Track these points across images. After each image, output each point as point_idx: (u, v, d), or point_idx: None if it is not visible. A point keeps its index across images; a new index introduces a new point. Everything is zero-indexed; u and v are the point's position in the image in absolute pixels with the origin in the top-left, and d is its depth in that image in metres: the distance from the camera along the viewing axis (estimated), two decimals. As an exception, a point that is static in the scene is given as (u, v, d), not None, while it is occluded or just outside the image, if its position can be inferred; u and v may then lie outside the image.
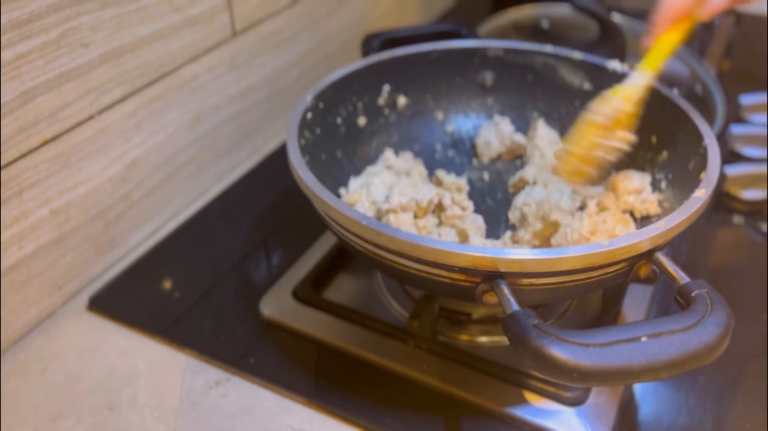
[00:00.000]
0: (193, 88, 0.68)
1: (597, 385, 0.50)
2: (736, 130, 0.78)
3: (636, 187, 0.57)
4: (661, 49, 0.52)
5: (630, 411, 0.51)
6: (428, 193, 0.57)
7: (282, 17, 0.77)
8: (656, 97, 0.60)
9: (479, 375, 0.52)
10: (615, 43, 0.84)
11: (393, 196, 0.56)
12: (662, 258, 0.45)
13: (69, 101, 0.55)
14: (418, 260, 0.44)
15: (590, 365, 0.36)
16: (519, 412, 0.50)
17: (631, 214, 0.58)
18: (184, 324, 0.57)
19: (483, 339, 0.56)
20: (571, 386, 0.50)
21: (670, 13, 0.50)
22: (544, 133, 0.67)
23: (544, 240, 0.57)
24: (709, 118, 0.80)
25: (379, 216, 0.57)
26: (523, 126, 0.69)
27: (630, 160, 0.62)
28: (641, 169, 0.61)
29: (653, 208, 0.56)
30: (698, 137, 0.54)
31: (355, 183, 0.61)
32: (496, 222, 0.61)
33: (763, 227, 0.69)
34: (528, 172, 0.64)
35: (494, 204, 0.64)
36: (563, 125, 0.67)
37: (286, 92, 0.82)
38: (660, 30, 0.51)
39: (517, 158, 0.68)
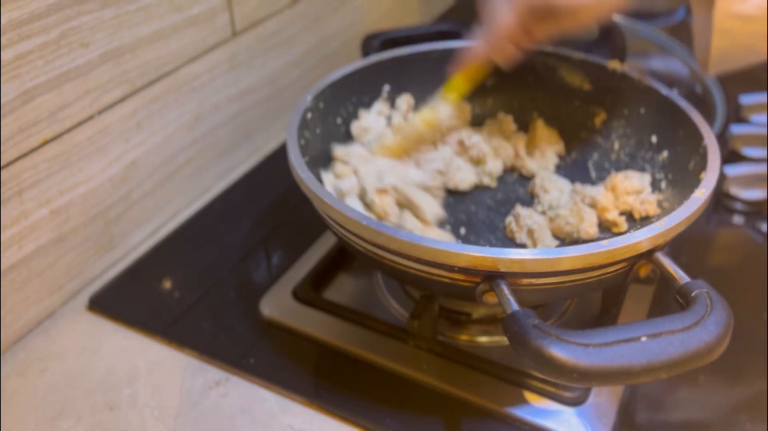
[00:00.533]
0: (193, 88, 0.68)
1: (597, 385, 0.50)
2: (736, 130, 0.78)
3: (635, 187, 0.57)
4: (462, 84, 0.60)
5: (630, 411, 0.51)
6: (416, 176, 0.59)
7: (282, 17, 0.77)
8: (656, 97, 0.60)
9: (479, 375, 0.52)
10: (615, 43, 0.84)
11: (386, 174, 0.58)
12: (662, 258, 0.45)
13: (69, 101, 0.55)
14: (418, 260, 0.44)
15: (590, 365, 0.36)
16: (519, 412, 0.50)
17: (631, 215, 0.58)
18: (184, 324, 0.57)
19: (483, 339, 0.56)
20: (571, 386, 0.50)
21: (477, 55, 0.57)
22: (543, 133, 0.67)
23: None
24: (709, 118, 0.80)
25: (363, 195, 0.58)
26: (524, 126, 0.69)
27: (630, 160, 0.62)
28: (641, 169, 0.61)
29: (652, 209, 0.56)
30: (698, 137, 0.54)
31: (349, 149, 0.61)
32: (491, 227, 0.61)
33: (763, 227, 0.69)
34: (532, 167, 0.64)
35: (493, 204, 0.64)
36: (563, 125, 0.67)
37: (286, 92, 0.82)
38: (465, 67, 0.59)
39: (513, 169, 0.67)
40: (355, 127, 0.64)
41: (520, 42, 0.55)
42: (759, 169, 0.73)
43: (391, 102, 0.67)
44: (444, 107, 0.61)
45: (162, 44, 0.63)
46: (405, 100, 0.67)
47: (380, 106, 0.66)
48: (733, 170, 0.73)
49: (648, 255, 0.45)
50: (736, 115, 0.83)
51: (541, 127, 0.67)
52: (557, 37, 0.55)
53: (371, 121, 0.64)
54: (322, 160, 0.60)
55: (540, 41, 0.55)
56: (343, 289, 0.61)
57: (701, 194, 0.47)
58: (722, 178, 0.72)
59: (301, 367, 0.54)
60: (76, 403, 0.51)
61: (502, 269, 0.42)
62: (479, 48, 0.57)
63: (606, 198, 0.57)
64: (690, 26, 0.55)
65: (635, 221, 0.57)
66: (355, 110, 0.65)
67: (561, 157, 0.67)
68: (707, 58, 0.52)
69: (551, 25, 0.53)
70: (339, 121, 0.63)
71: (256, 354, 0.55)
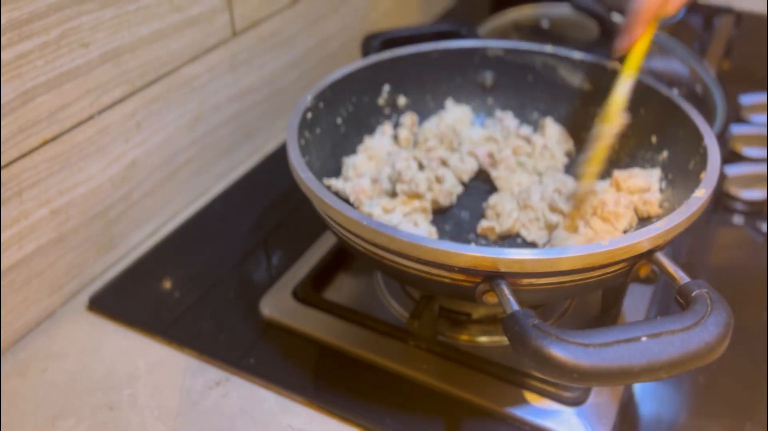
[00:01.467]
0: (193, 88, 0.68)
1: (597, 385, 0.50)
2: (736, 130, 0.78)
3: (640, 186, 0.57)
4: (639, 50, 0.56)
5: (630, 411, 0.51)
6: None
7: (282, 17, 0.77)
8: (656, 97, 0.60)
9: (479, 375, 0.52)
10: (615, 43, 0.84)
11: (398, 162, 0.59)
12: (662, 259, 0.45)
13: (69, 101, 0.55)
14: (418, 260, 0.44)
15: (590, 365, 0.36)
16: (519, 412, 0.50)
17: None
18: (184, 324, 0.57)
19: (483, 339, 0.56)
20: (571, 386, 0.50)
21: (645, 15, 0.53)
22: (552, 131, 0.66)
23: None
24: (709, 118, 0.80)
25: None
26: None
27: (630, 160, 0.62)
28: (643, 168, 0.61)
29: (653, 210, 0.56)
30: (698, 137, 0.54)
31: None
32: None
33: (763, 227, 0.69)
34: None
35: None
36: (563, 125, 0.67)
37: (286, 92, 0.82)
38: (638, 32, 0.55)
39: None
40: (361, 149, 0.64)
41: None
42: (759, 169, 0.73)
43: (392, 102, 0.67)
44: (625, 89, 0.55)
45: (162, 44, 0.63)
46: (408, 117, 0.67)
47: (383, 128, 0.66)
48: (733, 170, 0.73)
49: (648, 255, 0.45)
50: (736, 115, 0.83)
51: (549, 126, 0.66)
52: None
53: (375, 141, 0.65)
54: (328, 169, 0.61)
55: None
56: (343, 289, 0.61)
57: (701, 194, 0.47)
58: (722, 178, 0.72)
59: (301, 367, 0.54)
60: (76, 403, 0.51)
61: (502, 269, 0.42)
62: (648, 4, 0.52)
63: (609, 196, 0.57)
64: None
65: (639, 221, 0.57)
66: (355, 110, 0.65)
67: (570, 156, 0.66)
68: None
69: None
70: (339, 121, 0.63)
71: (256, 354, 0.55)
